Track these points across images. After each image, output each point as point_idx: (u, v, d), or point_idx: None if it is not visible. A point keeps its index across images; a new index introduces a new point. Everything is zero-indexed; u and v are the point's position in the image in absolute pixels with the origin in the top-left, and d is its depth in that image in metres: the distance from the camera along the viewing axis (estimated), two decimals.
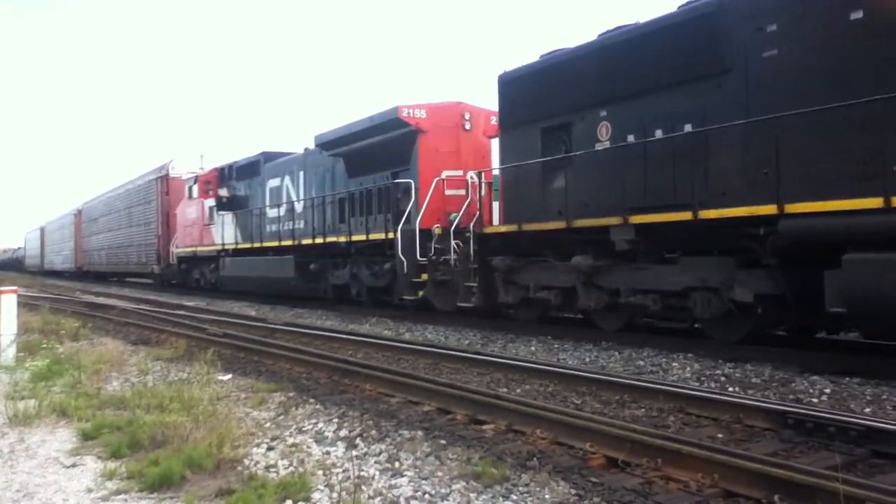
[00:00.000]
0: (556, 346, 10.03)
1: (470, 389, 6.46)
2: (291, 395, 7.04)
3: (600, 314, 10.32)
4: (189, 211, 24.64)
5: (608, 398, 6.49)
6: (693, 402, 5.96)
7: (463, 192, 13.10)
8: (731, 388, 6.91)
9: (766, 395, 6.57)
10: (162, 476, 4.38)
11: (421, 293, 13.37)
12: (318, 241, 16.61)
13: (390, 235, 13.90)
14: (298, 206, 18.16)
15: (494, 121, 13.52)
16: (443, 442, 5.15)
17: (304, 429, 5.73)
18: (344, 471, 4.51)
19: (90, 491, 4.35)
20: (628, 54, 9.61)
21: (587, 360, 8.95)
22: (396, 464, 4.69)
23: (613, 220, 9.46)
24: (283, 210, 18.89)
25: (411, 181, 13.90)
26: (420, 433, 5.40)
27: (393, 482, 4.34)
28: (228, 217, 21.79)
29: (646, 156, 9.20)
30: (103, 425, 5.70)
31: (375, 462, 4.77)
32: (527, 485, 4.22)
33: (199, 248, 23.83)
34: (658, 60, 9.17)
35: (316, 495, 4.10)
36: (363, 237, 14.97)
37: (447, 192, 13.48)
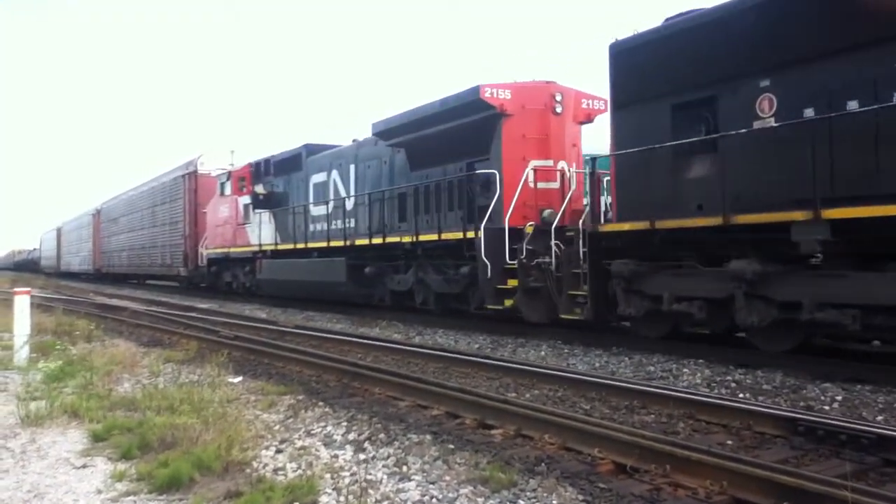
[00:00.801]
0: (566, 350, 10.01)
1: (479, 394, 6.46)
2: (301, 397, 7.07)
3: (763, 333, 8.31)
4: (221, 209, 22.84)
5: (617, 404, 6.46)
6: (703, 409, 5.92)
7: (555, 185, 11.65)
8: (741, 395, 6.87)
9: (777, 401, 6.53)
10: (171, 478, 4.41)
11: (509, 301, 11.49)
12: (376, 241, 14.84)
13: (469, 235, 12.15)
14: (349, 203, 16.41)
15: (587, 104, 12.39)
16: (451, 446, 5.15)
17: (312, 432, 5.75)
18: (352, 474, 4.52)
19: (100, 492, 4.38)
20: (805, 8, 7.85)
21: (597, 365, 8.93)
22: (404, 468, 4.70)
23: (798, 215, 7.50)
24: (330, 207, 17.02)
25: (495, 172, 11.94)
26: (428, 437, 5.40)
27: (400, 486, 4.34)
28: (265, 216, 20.09)
29: (839, 133, 7.31)
30: (114, 426, 5.74)
31: (383, 466, 4.78)
32: (534, 490, 4.22)
33: (231, 250, 22.06)
34: (852, 12, 7.38)
35: (323, 499, 4.12)
36: (433, 237, 13.16)
37: (536, 185, 11.85)
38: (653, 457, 4.47)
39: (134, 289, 33.47)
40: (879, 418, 5.84)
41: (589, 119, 12.77)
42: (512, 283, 11.40)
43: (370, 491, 4.22)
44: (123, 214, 36.21)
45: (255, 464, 4.83)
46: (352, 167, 16.50)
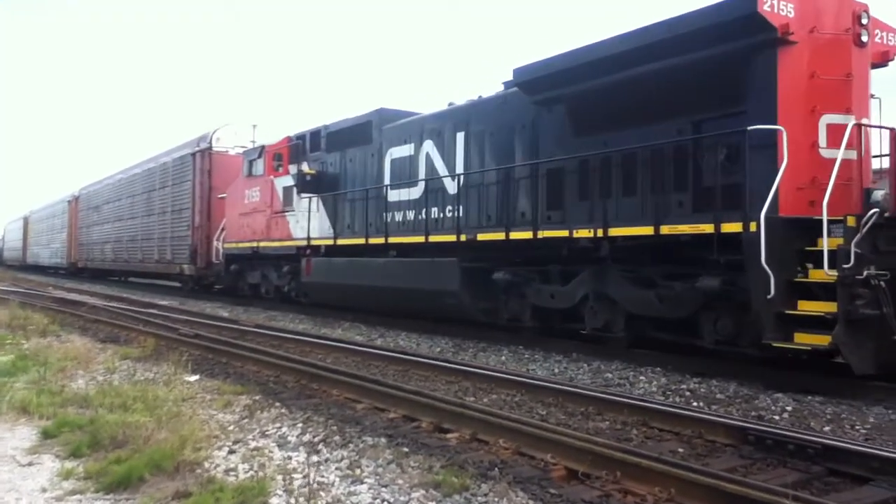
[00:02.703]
0: (526, 356, 10.07)
1: (436, 397, 6.48)
2: (257, 398, 7.01)
3: None
4: (248, 194, 18.54)
5: (573, 410, 6.52)
6: (656, 416, 6.01)
7: (851, 153, 7.71)
8: (695, 403, 6.98)
9: (730, 410, 6.64)
10: (120, 477, 4.35)
11: (816, 339, 7.09)
12: (520, 235, 10.60)
13: (731, 228, 7.80)
14: (452, 185, 12.29)
15: (881, 38, 8.54)
16: (405, 449, 5.15)
17: (267, 433, 5.71)
18: (304, 476, 4.50)
19: (45, 490, 4.31)
20: None
21: (556, 370, 8.99)
22: (357, 470, 4.69)
23: None
24: (420, 190, 13.00)
25: (780, 129, 7.57)
26: (383, 440, 5.40)
27: (352, 489, 4.34)
28: (315, 202, 15.75)
29: None
30: (65, 424, 5.65)
31: (336, 468, 4.76)
32: (486, 495, 4.24)
33: (262, 244, 17.66)
34: None
35: (273, 500, 4.09)
36: (640, 230, 8.81)
37: (823, 153, 7.80)
38: (604, 463, 4.52)
39: (92, 283, 31.32)
40: (827, 429, 5.97)
41: (885, 60, 8.75)
42: (809, 307, 7.28)
43: (321, 493, 4.21)
44: (108, 201, 31.52)
45: (206, 464, 4.78)
46: (459, 136, 12.23)
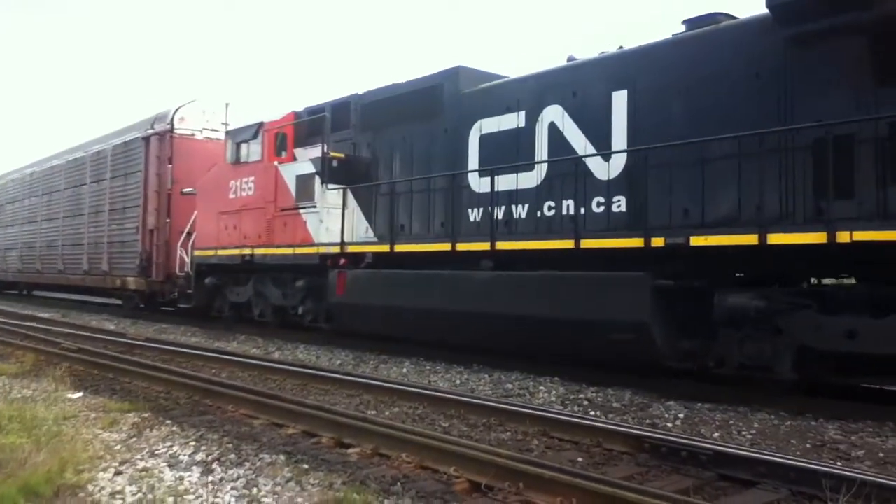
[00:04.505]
0: (428, 367, 10.03)
1: (337, 412, 6.34)
2: (147, 415, 6.66)
3: None
4: (236, 186, 14.31)
5: (476, 421, 6.53)
6: (557, 426, 6.09)
7: None
8: (593, 413, 7.12)
9: (626, 419, 6.81)
10: None
11: None
12: (790, 239, 6.87)
13: None
14: (601, 167, 8.80)
15: None
16: (305, 466, 5.00)
17: (157, 452, 5.42)
18: (197, 497, 4.29)
19: None
20: None
21: (458, 382, 9.00)
22: (254, 490, 4.51)
23: None
24: (534, 176, 9.50)
25: None
26: (282, 457, 5.23)
27: None
28: (349, 196, 12.09)
29: None
30: None
31: (232, 488, 4.56)
32: None
33: (260, 251, 13.39)
34: None
35: None
36: None
37: None
38: (507, 475, 4.52)
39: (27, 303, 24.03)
40: (716, 435, 6.21)
41: None
42: None
43: None
44: (14, 200, 26.23)
45: (90, 487, 4.49)
46: (618, 97, 8.77)
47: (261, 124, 13.83)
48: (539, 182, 9.45)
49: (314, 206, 12.42)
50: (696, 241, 7.49)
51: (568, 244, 8.54)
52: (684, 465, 5.04)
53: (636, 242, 7.92)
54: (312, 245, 12.30)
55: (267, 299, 13.67)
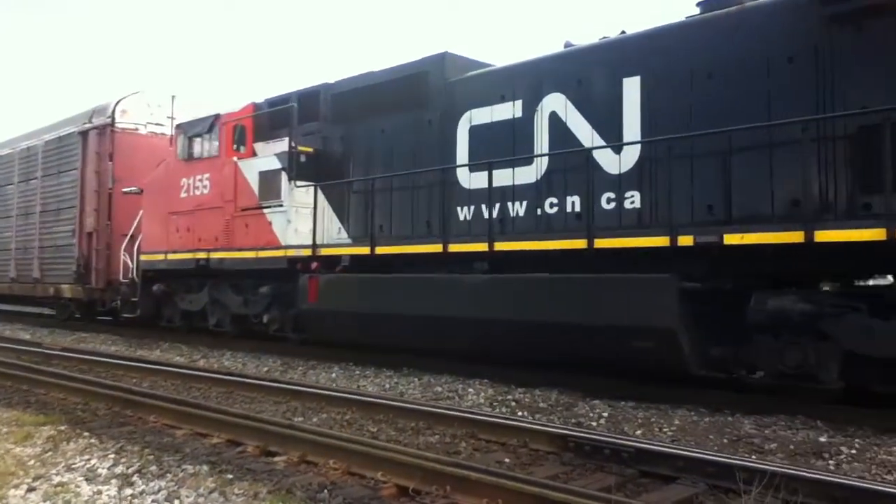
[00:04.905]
0: (357, 372, 9.98)
1: (262, 419, 6.24)
2: (63, 428, 6.42)
3: None
4: (189, 184, 13.30)
5: (404, 425, 6.52)
6: (484, 428, 6.14)
7: None
8: (520, 413, 7.21)
9: (552, 418, 6.92)
10: None
11: None
12: (840, 235, 6.23)
13: None
14: (611, 160, 8.22)
15: None
16: (229, 476, 4.90)
17: (74, 466, 5.23)
18: None
19: None
20: None
21: (387, 386, 8.97)
22: (176, 502, 4.40)
23: None
24: (542, 169, 8.82)
25: None
26: (205, 468, 5.11)
27: None
28: (320, 194, 11.14)
29: None
30: None
31: (153, 501, 4.44)
32: None
33: (217, 255, 12.41)
34: None
35: None
36: None
37: None
38: (435, 478, 4.53)
39: None
40: (638, 432, 6.37)
41: None
42: None
43: None
44: None
45: None
46: (629, 84, 8.19)
47: (217, 116, 12.89)
48: (539, 177, 8.77)
49: (281, 206, 11.51)
50: (731, 238, 6.75)
51: (579, 244, 7.78)
52: (607, 462, 5.15)
53: (661, 241, 7.21)
54: (279, 248, 11.38)
55: (225, 307, 12.74)
